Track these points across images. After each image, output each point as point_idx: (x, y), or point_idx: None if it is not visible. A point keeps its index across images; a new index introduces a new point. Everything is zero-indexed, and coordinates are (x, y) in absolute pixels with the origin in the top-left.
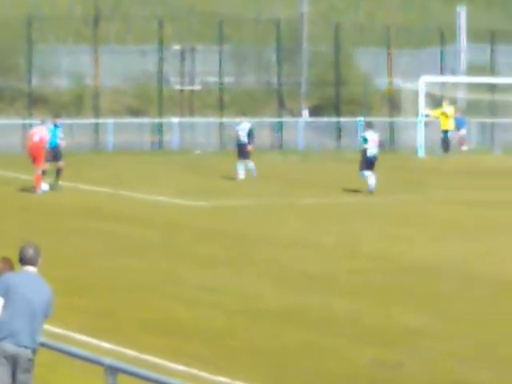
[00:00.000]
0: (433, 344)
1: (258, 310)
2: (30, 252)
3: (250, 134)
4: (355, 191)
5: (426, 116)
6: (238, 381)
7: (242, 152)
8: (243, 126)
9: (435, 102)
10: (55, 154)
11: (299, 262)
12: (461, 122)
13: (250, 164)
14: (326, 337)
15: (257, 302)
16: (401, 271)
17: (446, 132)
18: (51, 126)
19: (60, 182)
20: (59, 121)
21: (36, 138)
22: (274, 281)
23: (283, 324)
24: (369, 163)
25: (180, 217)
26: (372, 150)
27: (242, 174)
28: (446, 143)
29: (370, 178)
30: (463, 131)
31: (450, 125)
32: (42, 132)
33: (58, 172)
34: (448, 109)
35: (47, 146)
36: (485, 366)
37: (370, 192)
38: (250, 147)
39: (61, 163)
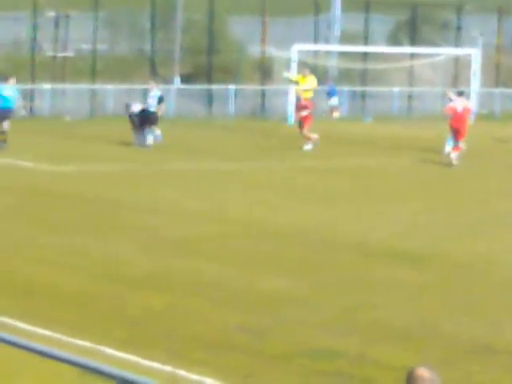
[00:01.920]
0: (297, 311)
1: (123, 274)
2: None
3: (160, 102)
4: (225, 157)
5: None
6: (101, 345)
7: (151, 119)
8: (153, 93)
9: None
10: (7, 114)
11: (166, 227)
12: (332, 91)
13: (158, 131)
14: (192, 302)
15: (122, 267)
16: (267, 237)
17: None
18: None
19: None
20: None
21: None
22: (140, 246)
23: (148, 289)
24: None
25: (48, 182)
26: None
27: (151, 140)
28: None
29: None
30: (334, 99)
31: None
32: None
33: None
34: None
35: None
36: (346, 333)
37: None
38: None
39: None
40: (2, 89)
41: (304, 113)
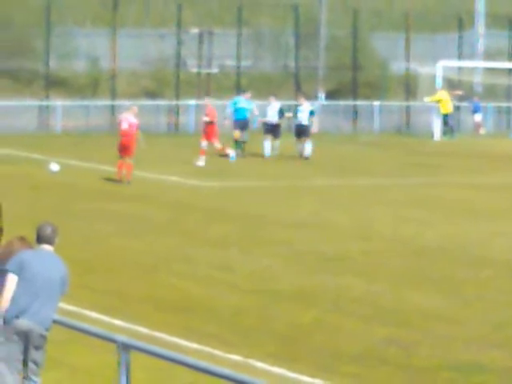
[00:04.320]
0: (445, 325)
1: (271, 289)
2: (48, 231)
3: (280, 113)
4: (371, 173)
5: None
6: (251, 359)
7: (273, 131)
8: (273, 105)
9: (452, 86)
10: (243, 125)
11: (313, 242)
12: (476, 107)
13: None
14: (339, 317)
15: (269, 281)
16: (415, 253)
17: (446, 116)
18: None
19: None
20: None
21: (125, 125)
22: (287, 261)
23: (296, 303)
24: None
25: (193, 197)
26: None
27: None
28: (449, 126)
29: None
30: (479, 116)
31: (449, 108)
32: (130, 118)
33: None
34: (443, 95)
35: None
36: (494, 347)
37: None
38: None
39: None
40: (238, 101)
41: (206, 119)
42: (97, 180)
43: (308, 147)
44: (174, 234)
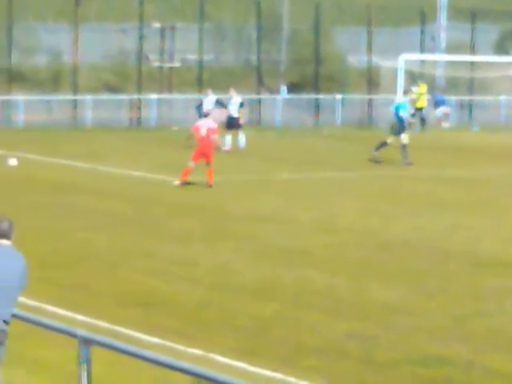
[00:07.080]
0: (407, 319)
1: (233, 283)
2: (4, 226)
3: (240, 108)
4: (334, 167)
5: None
6: (213, 353)
7: (232, 124)
8: (234, 100)
9: (414, 79)
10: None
11: (276, 236)
12: (440, 100)
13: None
14: (301, 310)
15: (232, 276)
16: (378, 246)
17: (420, 109)
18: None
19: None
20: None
21: (203, 132)
22: (249, 255)
23: (258, 297)
24: None
25: (156, 192)
26: None
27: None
28: (422, 120)
29: None
30: (443, 109)
31: (423, 102)
32: (209, 124)
33: None
34: (417, 89)
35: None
36: (457, 341)
37: None
38: (241, 120)
39: None
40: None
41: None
42: (60, 174)
43: (242, 139)
44: (137, 229)
